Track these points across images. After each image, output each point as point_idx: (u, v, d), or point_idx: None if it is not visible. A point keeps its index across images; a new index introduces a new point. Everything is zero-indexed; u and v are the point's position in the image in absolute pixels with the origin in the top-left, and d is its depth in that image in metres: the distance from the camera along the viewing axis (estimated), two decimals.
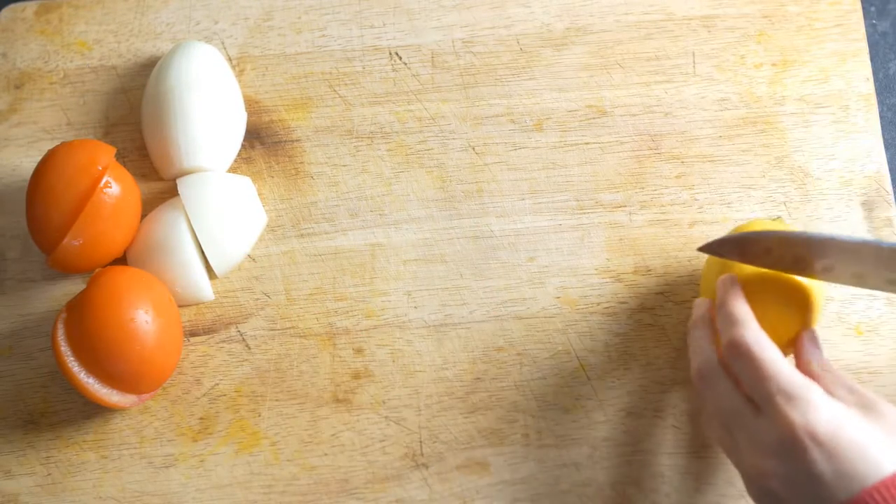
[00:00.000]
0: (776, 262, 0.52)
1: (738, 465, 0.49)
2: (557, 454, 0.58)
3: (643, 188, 0.63)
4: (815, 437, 0.44)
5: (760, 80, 0.65)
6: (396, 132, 0.66)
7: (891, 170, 0.63)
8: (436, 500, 0.58)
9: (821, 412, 0.45)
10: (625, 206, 0.63)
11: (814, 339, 0.52)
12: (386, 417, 0.60)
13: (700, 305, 0.54)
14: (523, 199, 0.64)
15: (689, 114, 0.65)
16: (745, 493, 0.56)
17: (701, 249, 0.54)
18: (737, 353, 0.48)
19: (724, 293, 0.52)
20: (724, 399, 0.49)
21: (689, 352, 0.53)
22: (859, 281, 0.51)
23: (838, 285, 0.60)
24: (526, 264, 0.62)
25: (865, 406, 0.46)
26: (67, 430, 0.61)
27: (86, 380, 0.57)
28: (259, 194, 0.65)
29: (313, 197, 0.65)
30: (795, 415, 0.45)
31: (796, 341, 0.52)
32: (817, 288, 0.53)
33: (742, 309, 0.50)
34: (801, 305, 0.53)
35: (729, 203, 0.63)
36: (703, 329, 0.53)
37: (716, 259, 0.56)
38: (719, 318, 0.51)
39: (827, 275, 0.52)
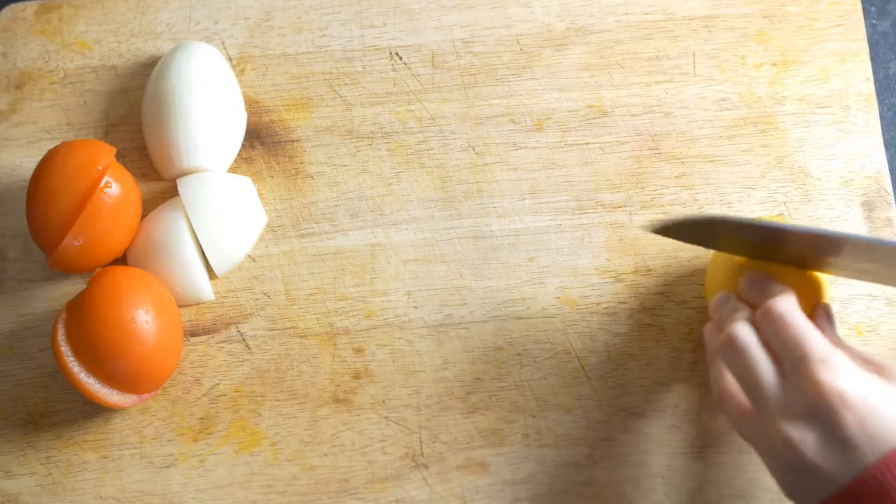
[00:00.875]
0: (752, 251, 0.54)
1: (760, 441, 0.49)
2: (557, 454, 0.58)
3: (643, 188, 0.63)
4: (844, 400, 0.45)
5: (760, 80, 0.65)
6: (396, 132, 0.66)
7: (891, 170, 0.63)
8: (436, 500, 0.58)
9: (849, 376, 0.45)
10: (625, 206, 0.63)
11: (828, 315, 0.53)
12: (386, 417, 0.60)
13: (725, 297, 0.54)
14: (523, 199, 0.64)
15: (689, 114, 0.65)
16: (745, 494, 0.56)
17: (654, 231, 0.55)
18: (771, 318, 0.49)
19: (759, 276, 0.53)
20: (754, 366, 0.49)
21: (718, 325, 0.54)
22: (841, 271, 0.53)
23: (838, 288, 0.60)
24: (526, 264, 0.62)
25: (882, 374, 0.47)
26: (67, 430, 0.61)
27: (86, 380, 0.57)
28: (259, 194, 0.65)
29: (313, 197, 0.65)
30: (826, 377, 0.45)
31: (811, 317, 0.53)
32: (826, 280, 0.54)
33: (778, 286, 0.51)
34: (811, 296, 0.53)
35: (729, 203, 0.63)
36: (737, 309, 0.53)
37: (723, 255, 0.56)
38: (757, 296, 0.52)
39: (833, 270, 0.53)
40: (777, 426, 0.46)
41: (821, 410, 0.45)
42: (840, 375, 0.45)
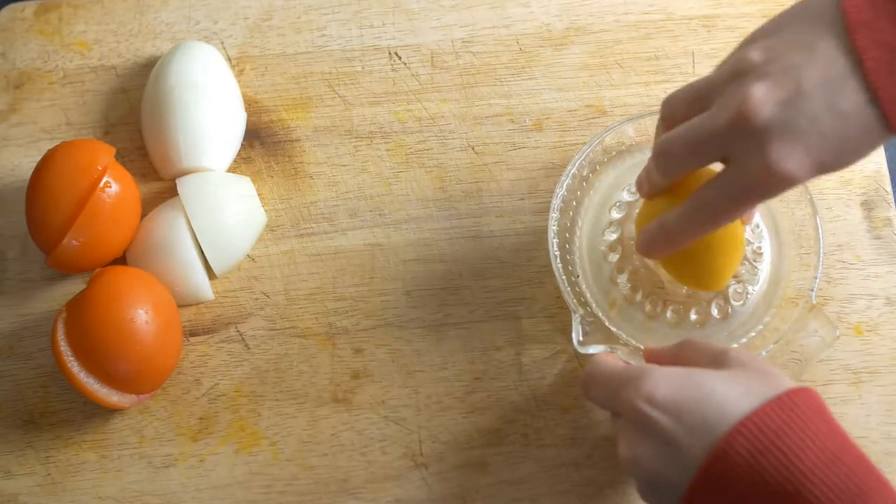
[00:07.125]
0: None
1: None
2: (557, 454, 0.58)
3: None
4: (656, 404, 0.46)
5: None
6: (396, 132, 0.66)
7: (890, 170, 0.63)
8: (435, 499, 0.58)
9: (654, 381, 0.47)
10: None
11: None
12: (385, 417, 0.60)
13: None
14: (523, 199, 0.64)
15: None
16: None
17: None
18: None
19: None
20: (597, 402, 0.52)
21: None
22: None
23: (837, 288, 0.60)
24: (526, 264, 0.62)
25: (715, 361, 0.48)
26: (67, 430, 0.61)
27: (85, 380, 0.57)
28: (259, 194, 0.65)
29: (313, 197, 0.65)
30: (632, 394, 0.47)
31: None
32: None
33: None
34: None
35: None
36: None
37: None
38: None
39: None
40: (624, 456, 0.48)
41: (642, 424, 0.46)
42: (644, 384, 0.47)
